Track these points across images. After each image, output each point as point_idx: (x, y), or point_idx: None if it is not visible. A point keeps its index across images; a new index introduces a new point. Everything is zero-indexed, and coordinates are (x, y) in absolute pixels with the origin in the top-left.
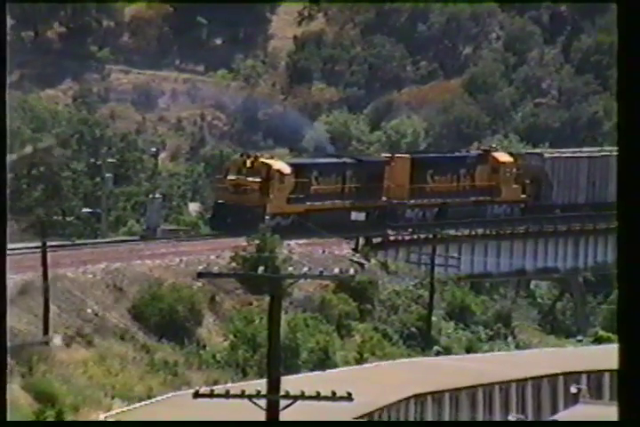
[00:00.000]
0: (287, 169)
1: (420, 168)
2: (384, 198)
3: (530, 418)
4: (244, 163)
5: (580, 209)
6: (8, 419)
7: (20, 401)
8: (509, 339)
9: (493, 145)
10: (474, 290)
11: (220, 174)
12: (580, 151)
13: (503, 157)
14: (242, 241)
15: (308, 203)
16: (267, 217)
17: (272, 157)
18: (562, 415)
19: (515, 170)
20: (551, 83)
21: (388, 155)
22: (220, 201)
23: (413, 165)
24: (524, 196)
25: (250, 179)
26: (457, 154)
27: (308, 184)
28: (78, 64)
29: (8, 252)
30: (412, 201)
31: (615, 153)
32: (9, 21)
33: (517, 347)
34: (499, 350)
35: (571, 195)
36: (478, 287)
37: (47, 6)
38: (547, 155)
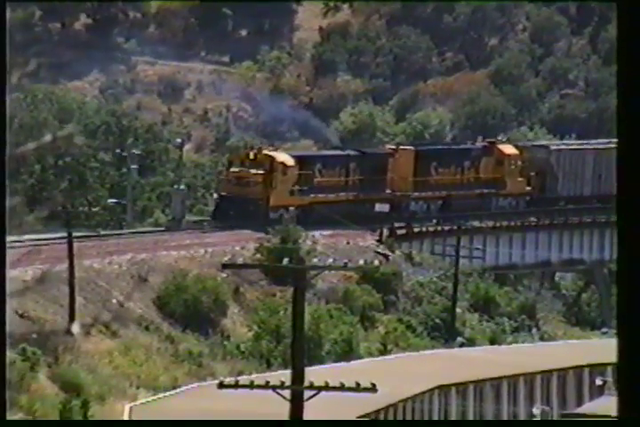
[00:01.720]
0: (290, 161)
1: (423, 160)
2: (388, 191)
3: (555, 410)
4: (247, 155)
5: (585, 202)
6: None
7: (46, 391)
8: (534, 331)
9: (500, 138)
10: (498, 282)
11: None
12: (586, 143)
13: (508, 149)
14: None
15: (312, 195)
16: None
17: (276, 149)
18: (586, 407)
19: (520, 162)
20: (578, 74)
21: (392, 147)
22: (223, 193)
23: (417, 157)
24: (529, 188)
25: (253, 171)
26: (461, 146)
27: (311, 176)
28: (105, 55)
29: (35, 242)
30: (416, 193)
31: None
32: (37, 13)
33: (542, 339)
34: (523, 342)
35: (576, 187)
36: (503, 279)
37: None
38: (552, 147)
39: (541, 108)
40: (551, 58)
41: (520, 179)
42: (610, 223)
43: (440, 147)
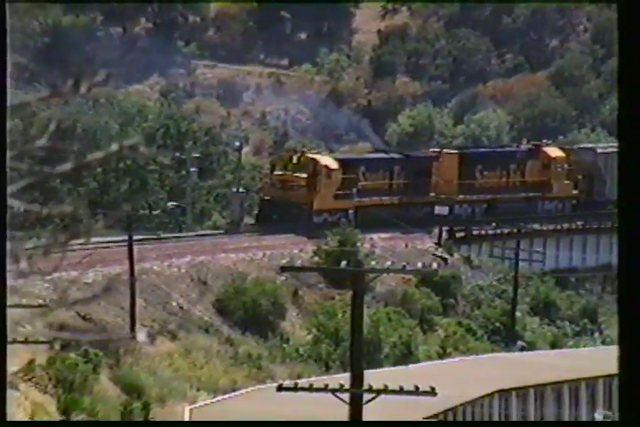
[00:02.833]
0: (334, 164)
1: (468, 164)
2: (432, 194)
3: (617, 414)
4: (291, 158)
5: None
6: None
7: (108, 393)
8: (596, 335)
9: (545, 141)
10: (559, 285)
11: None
12: None
13: (554, 151)
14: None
15: (356, 199)
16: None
17: (319, 153)
18: None
19: (566, 165)
20: None
21: (436, 150)
22: (266, 197)
23: (462, 160)
24: (575, 191)
25: (297, 174)
26: (507, 149)
27: (355, 180)
28: (165, 59)
29: (97, 245)
30: (461, 197)
31: None
32: (98, 18)
33: (604, 343)
34: (584, 346)
35: None
36: (563, 282)
37: (135, 3)
38: (599, 149)
39: (602, 109)
40: (613, 59)
41: (567, 182)
42: None
43: (485, 150)
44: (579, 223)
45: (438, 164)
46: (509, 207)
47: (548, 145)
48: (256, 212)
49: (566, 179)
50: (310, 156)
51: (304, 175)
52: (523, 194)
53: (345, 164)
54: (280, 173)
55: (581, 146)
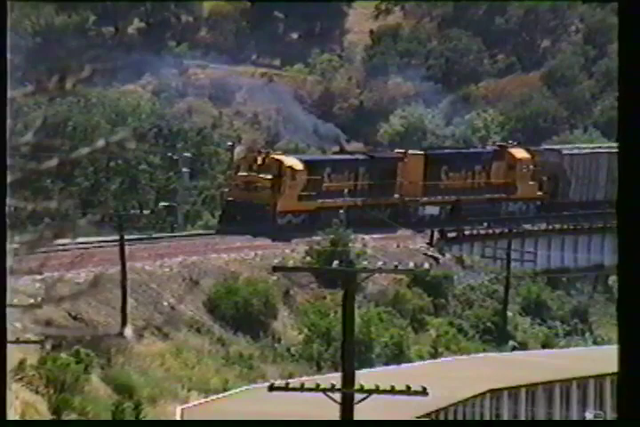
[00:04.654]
0: (299, 165)
1: (433, 164)
2: (397, 196)
3: (608, 414)
4: (255, 159)
5: (598, 207)
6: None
7: (99, 392)
8: (587, 335)
9: (508, 142)
10: (550, 285)
11: None
12: (599, 147)
13: (520, 153)
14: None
15: (320, 200)
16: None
17: (283, 154)
18: None
19: (532, 166)
20: None
21: (401, 151)
22: (230, 198)
23: (427, 161)
24: (540, 193)
25: (261, 176)
26: (472, 150)
27: (320, 181)
28: (157, 59)
29: (86, 245)
30: (426, 198)
31: None
32: (91, 18)
33: (595, 343)
34: (576, 346)
35: (589, 192)
36: (555, 282)
37: (127, 2)
38: (565, 151)
39: (594, 110)
40: (605, 59)
41: (532, 183)
42: None
43: (450, 151)
44: (570, 223)
45: (403, 165)
46: (474, 209)
47: (513, 146)
48: (219, 213)
49: (531, 180)
50: (275, 157)
51: (268, 176)
52: (487, 195)
53: (310, 165)
54: (244, 174)
55: (547, 147)
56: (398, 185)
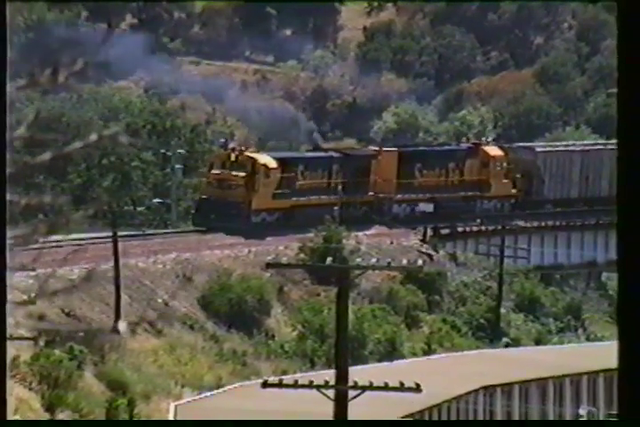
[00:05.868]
0: (273, 163)
1: (407, 162)
2: (371, 193)
3: (601, 411)
4: (229, 156)
5: (572, 204)
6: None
7: (92, 389)
8: (580, 331)
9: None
10: (543, 282)
11: None
12: (573, 145)
13: (493, 150)
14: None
15: (294, 198)
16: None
17: (257, 151)
18: None
19: (505, 164)
20: None
21: (375, 148)
22: (203, 196)
23: (401, 158)
24: (514, 191)
25: (235, 173)
26: (446, 147)
27: (294, 179)
28: (150, 55)
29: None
30: (399, 196)
31: (609, 146)
32: (83, 14)
33: (588, 339)
34: (569, 343)
35: (563, 189)
36: (548, 279)
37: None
38: (538, 148)
39: (587, 107)
40: (598, 56)
41: (505, 181)
42: None
43: (424, 148)
44: (563, 220)
45: (377, 162)
46: (447, 207)
47: (487, 143)
48: (193, 211)
49: (505, 178)
50: (249, 154)
51: (242, 174)
52: (461, 193)
53: (284, 162)
54: (218, 171)
55: (521, 144)
56: (372, 183)
